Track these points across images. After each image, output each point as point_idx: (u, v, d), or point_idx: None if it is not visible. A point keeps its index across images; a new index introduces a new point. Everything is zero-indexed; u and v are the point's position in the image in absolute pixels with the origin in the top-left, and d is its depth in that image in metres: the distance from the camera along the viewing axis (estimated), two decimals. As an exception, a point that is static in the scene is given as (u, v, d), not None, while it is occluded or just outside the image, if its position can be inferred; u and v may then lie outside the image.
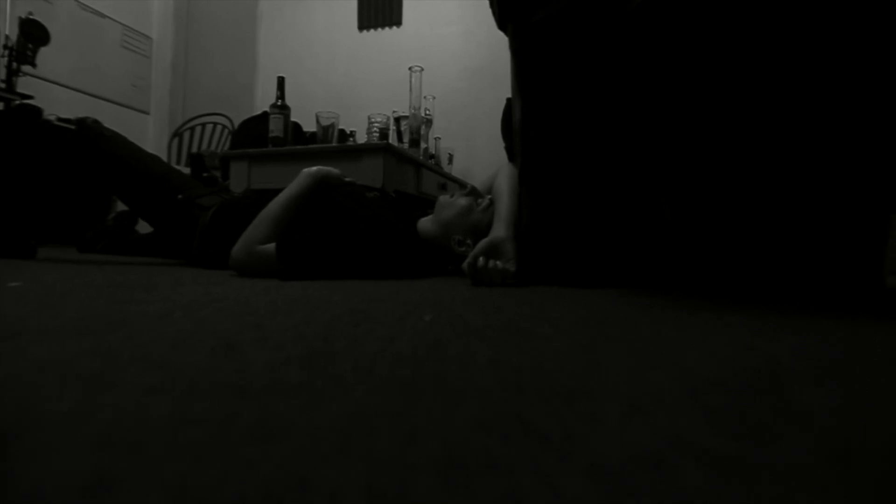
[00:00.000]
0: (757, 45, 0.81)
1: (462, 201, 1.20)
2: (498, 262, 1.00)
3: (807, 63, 0.80)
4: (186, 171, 2.65)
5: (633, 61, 0.93)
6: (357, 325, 0.47)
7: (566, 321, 0.54)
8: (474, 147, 3.14)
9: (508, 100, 1.34)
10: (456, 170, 2.85)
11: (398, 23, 3.44)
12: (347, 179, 1.30)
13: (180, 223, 1.36)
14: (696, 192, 0.93)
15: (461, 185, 2.36)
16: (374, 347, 0.37)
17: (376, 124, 1.96)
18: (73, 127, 1.40)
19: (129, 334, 0.41)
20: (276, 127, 1.95)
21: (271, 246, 1.07)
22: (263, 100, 3.61)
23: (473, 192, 1.22)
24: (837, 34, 0.77)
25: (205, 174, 2.57)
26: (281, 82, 1.98)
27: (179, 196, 1.34)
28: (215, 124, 3.34)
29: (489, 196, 1.21)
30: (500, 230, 1.06)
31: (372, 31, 3.52)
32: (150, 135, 3.55)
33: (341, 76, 3.56)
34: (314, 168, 1.23)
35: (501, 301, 0.72)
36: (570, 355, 0.37)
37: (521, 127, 1.07)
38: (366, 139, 2.11)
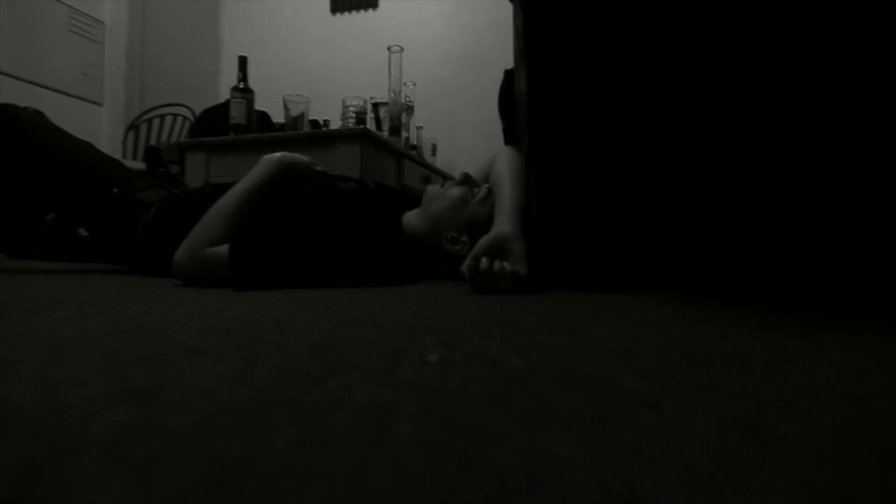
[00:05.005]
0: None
1: (455, 191, 1.02)
2: (505, 264, 0.82)
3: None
4: (142, 166, 2.40)
5: (670, 17, 0.76)
6: (320, 382, 0.28)
7: (658, 363, 0.35)
8: (458, 137, 2.95)
9: (507, 72, 1.16)
10: (440, 161, 2.65)
11: (374, 5, 3.22)
12: (318, 168, 1.10)
13: (117, 222, 1.13)
14: (752, 174, 0.76)
15: (446, 178, 2.17)
16: (348, 458, 0.18)
17: (352, 108, 1.76)
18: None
19: None
20: (237, 113, 1.73)
21: (223, 248, 0.86)
22: (228, 89, 3.32)
23: (468, 181, 1.04)
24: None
25: (161, 169, 2.33)
26: (243, 62, 1.76)
27: (115, 189, 1.12)
28: (175, 115, 3.07)
29: (486, 185, 1.03)
30: (504, 225, 0.88)
31: (346, 14, 3.28)
32: (103, 128, 3.25)
33: (313, 63, 3.32)
34: (277, 154, 1.02)
35: (525, 319, 0.54)
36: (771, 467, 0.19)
37: (527, 100, 0.89)
38: (340, 126, 1.90)
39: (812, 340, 0.43)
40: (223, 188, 1.00)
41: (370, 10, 3.22)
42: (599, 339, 0.41)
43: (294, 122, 1.75)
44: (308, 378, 0.29)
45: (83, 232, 1.54)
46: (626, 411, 0.24)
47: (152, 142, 3.03)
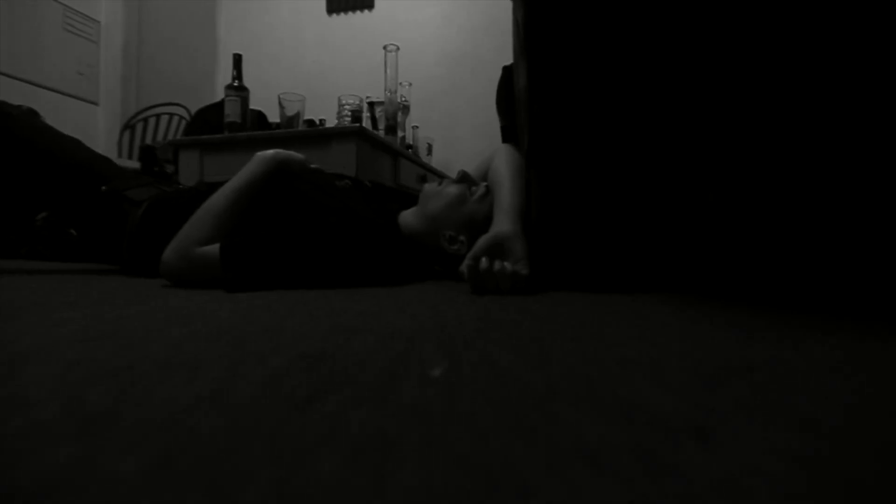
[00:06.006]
0: None
1: (452, 189, 0.98)
2: (505, 264, 0.78)
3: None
4: (137, 165, 2.36)
5: (672, 13, 0.72)
6: (308, 406, 0.24)
7: (689, 376, 0.31)
8: (455, 137, 2.91)
9: (506, 68, 1.12)
10: (436, 161, 2.61)
11: (370, 6, 3.18)
12: (314, 166, 1.06)
13: (106, 221, 1.09)
14: (753, 173, 0.73)
15: (443, 177, 2.13)
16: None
17: (347, 107, 1.72)
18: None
19: None
20: (232, 111, 1.69)
21: (214, 248, 0.82)
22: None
23: (466, 179, 1.00)
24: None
25: (156, 168, 2.28)
26: (237, 60, 1.72)
27: (104, 187, 1.08)
28: (172, 115, 3.02)
29: (484, 183, 0.99)
30: (503, 224, 0.84)
31: (342, 14, 3.24)
32: (99, 127, 3.20)
33: (310, 63, 3.28)
34: (271, 151, 0.98)
35: (530, 323, 0.50)
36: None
37: (527, 96, 0.85)
38: (336, 125, 1.86)
39: (842, 349, 0.39)
40: (217, 187, 0.96)
41: (366, 11, 3.18)
42: (615, 347, 0.37)
43: (290, 120, 1.71)
44: (293, 400, 0.25)
45: (74, 232, 1.49)
46: (672, 444, 0.20)
47: (148, 141, 2.98)
